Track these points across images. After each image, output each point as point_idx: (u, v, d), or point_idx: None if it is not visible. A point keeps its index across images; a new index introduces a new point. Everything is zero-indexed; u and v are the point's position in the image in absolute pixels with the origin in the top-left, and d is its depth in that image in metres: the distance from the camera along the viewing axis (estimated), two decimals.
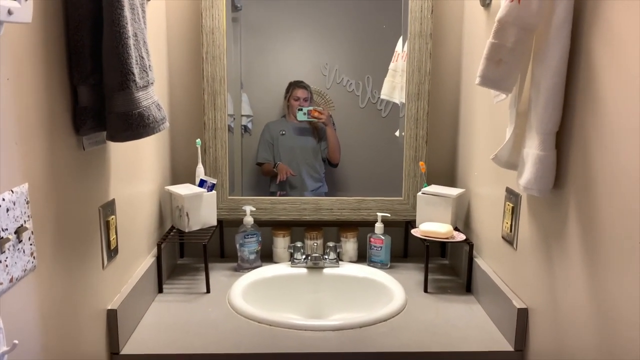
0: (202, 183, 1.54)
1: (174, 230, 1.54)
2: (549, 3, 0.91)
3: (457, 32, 1.61)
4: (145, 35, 1.01)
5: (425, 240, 1.45)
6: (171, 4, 1.57)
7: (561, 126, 0.95)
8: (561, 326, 0.98)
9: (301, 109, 1.68)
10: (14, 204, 0.74)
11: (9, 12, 0.63)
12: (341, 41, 1.71)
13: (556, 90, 0.93)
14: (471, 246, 1.44)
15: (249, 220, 1.58)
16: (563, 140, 0.96)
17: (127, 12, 0.91)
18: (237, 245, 1.58)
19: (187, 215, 1.48)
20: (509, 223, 1.21)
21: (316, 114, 1.68)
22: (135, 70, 0.93)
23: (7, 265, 0.72)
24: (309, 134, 1.74)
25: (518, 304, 1.14)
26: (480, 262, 1.40)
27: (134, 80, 0.93)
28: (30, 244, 0.78)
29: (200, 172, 1.56)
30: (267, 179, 1.74)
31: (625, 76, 0.78)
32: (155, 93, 1.05)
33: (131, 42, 0.92)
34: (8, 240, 0.71)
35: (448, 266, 1.65)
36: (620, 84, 0.79)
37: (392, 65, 1.68)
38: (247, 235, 1.57)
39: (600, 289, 0.85)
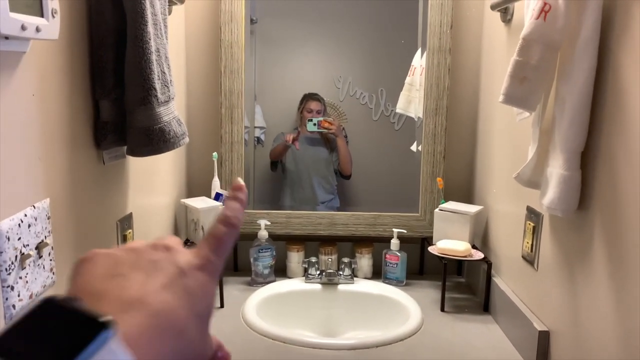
0: (217, 196, 1.53)
1: (189, 244, 1.53)
2: (576, 19, 0.89)
3: (477, 47, 1.60)
4: (167, 50, 1.02)
5: (442, 257, 1.43)
6: (190, 18, 1.58)
7: (586, 145, 0.93)
8: (585, 350, 0.95)
9: (311, 120, 1.68)
10: (36, 220, 0.73)
11: (37, 29, 0.64)
12: (355, 54, 1.71)
13: (582, 108, 0.91)
14: (489, 265, 1.42)
15: (263, 234, 1.56)
16: (588, 160, 0.94)
17: (150, 28, 0.91)
18: (251, 260, 1.57)
19: (203, 228, 1.47)
20: (530, 243, 1.19)
21: (326, 125, 1.68)
22: (157, 86, 0.93)
23: (27, 282, 0.72)
24: (321, 145, 1.73)
25: (539, 326, 1.11)
26: (498, 281, 1.38)
27: (156, 96, 0.93)
28: (50, 260, 0.78)
29: (216, 186, 1.56)
30: (279, 190, 1.74)
31: None
32: (175, 108, 1.05)
33: (154, 57, 0.92)
34: (29, 256, 0.71)
35: (464, 284, 1.63)
36: None
37: (408, 79, 1.67)
38: (262, 249, 1.56)
39: (627, 313, 0.82)
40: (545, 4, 0.90)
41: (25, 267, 0.71)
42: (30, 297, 0.73)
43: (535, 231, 1.16)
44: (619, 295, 0.84)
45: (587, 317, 0.94)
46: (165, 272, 0.32)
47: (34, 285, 0.73)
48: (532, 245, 1.18)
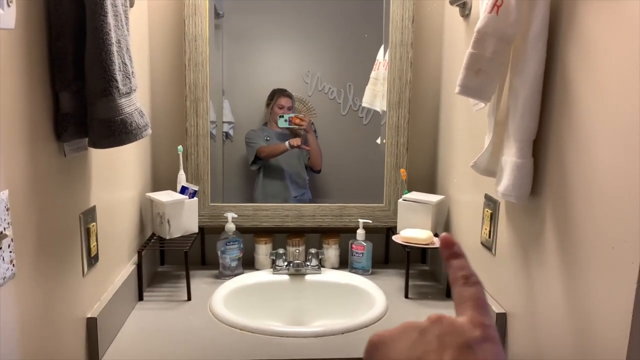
0: (183, 190, 1.53)
1: (155, 237, 1.52)
2: (526, 15, 0.94)
3: (438, 41, 1.64)
4: (129, 42, 1.01)
5: (405, 246, 1.47)
6: (153, 11, 1.57)
7: (538, 134, 0.98)
8: (539, 330, 1.00)
9: (282, 116, 1.69)
10: None
11: None
12: (323, 49, 1.73)
13: (533, 99, 0.95)
14: None
15: (230, 227, 1.57)
16: (540, 148, 0.98)
17: (110, 19, 0.91)
18: (219, 252, 1.57)
19: (168, 222, 1.47)
20: (488, 229, 1.24)
21: (297, 121, 1.69)
22: (118, 77, 0.93)
23: None
24: None
25: (497, 309, 1.16)
26: None
27: (117, 87, 0.93)
28: (10, 252, 0.77)
29: (181, 179, 1.56)
30: (251, 186, 1.74)
31: (598, 85, 0.81)
32: (138, 100, 1.05)
33: (114, 48, 0.92)
34: None
35: (428, 272, 1.67)
36: (594, 93, 0.82)
37: (373, 74, 1.70)
38: (229, 242, 1.56)
39: (577, 293, 0.87)
40: None
41: None
42: None
43: (493, 218, 1.21)
44: (569, 276, 0.89)
45: (541, 298, 0.99)
46: (454, 351, 0.33)
47: None
48: (490, 231, 1.23)
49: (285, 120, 1.69)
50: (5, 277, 0.76)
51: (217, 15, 1.64)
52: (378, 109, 1.70)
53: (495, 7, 0.94)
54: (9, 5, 0.67)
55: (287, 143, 1.70)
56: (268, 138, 1.73)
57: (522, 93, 0.96)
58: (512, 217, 1.12)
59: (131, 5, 1.31)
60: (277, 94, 1.70)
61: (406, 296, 1.47)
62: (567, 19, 0.90)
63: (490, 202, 1.22)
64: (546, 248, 0.97)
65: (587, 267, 0.84)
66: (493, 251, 1.21)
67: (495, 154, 1.07)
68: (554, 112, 0.94)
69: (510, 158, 1.00)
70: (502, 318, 1.15)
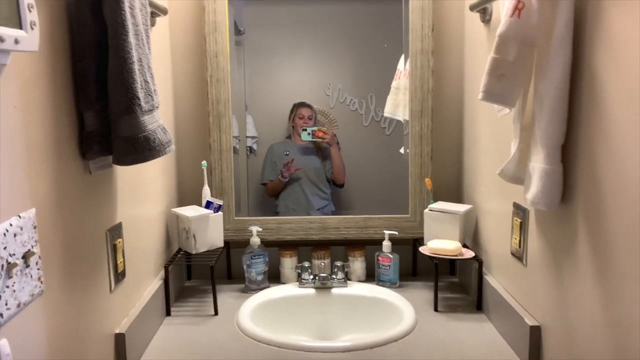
0: (208, 204, 1.54)
1: (181, 252, 1.54)
2: (550, 16, 0.91)
3: (459, 48, 1.62)
4: (150, 60, 1.03)
5: (433, 257, 1.44)
6: (175, 30, 1.60)
7: (566, 139, 0.95)
8: (575, 343, 0.96)
9: (305, 129, 1.68)
10: (22, 229, 0.74)
11: (16, 41, 0.65)
12: (343, 61, 1.73)
13: (560, 103, 0.93)
14: (480, 263, 1.42)
15: (255, 240, 1.57)
16: (569, 153, 0.95)
17: (131, 39, 0.92)
18: (244, 267, 1.57)
19: (194, 236, 1.48)
20: (518, 238, 1.20)
21: (320, 134, 1.69)
22: (141, 95, 0.94)
23: (14, 290, 0.72)
24: (314, 153, 1.74)
25: (530, 322, 1.12)
26: (490, 279, 1.39)
27: (139, 105, 0.94)
28: (38, 269, 0.78)
29: (206, 194, 1.57)
30: (274, 199, 1.74)
31: (629, 86, 0.78)
32: (161, 116, 1.06)
33: (136, 67, 0.93)
34: (15, 265, 0.71)
35: (457, 284, 1.63)
36: (625, 95, 0.79)
37: (394, 83, 1.69)
38: (254, 256, 1.56)
39: (613, 304, 0.83)
40: (518, 1, 0.92)
41: (12, 276, 0.71)
42: (18, 305, 0.73)
43: (523, 227, 1.17)
44: (604, 286, 0.85)
45: (575, 309, 0.95)
46: None
47: (21, 294, 0.74)
48: (520, 241, 1.19)
49: (309, 134, 1.68)
50: (33, 294, 0.77)
51: (238, 32, 1.66)
52: (400, 119, 1.69)
53: (517, 10, 0.92)
54: (32, 28, 0.68)
55: (279, 177, 1.72)
56: (287, 153, 1.72)
57: (547, 97, 0.93)
58: (543, 226, 1.08)
59: (152, 25, 1.34)
60: (297, 105, 1.71)
61: (435, 309, 1.43)
62: (592, 19, 0.87)
63: (520, 210, 1.18)
64: (579, 257, 0.93)
65: (623, 277, 0.80)
66: (524, 261, 1.17)
67: (523, 161, 1.04)
68: (582, 116, 0.91)
69: (538, 164, 0.97)
70: (536, 331, 1.10)
